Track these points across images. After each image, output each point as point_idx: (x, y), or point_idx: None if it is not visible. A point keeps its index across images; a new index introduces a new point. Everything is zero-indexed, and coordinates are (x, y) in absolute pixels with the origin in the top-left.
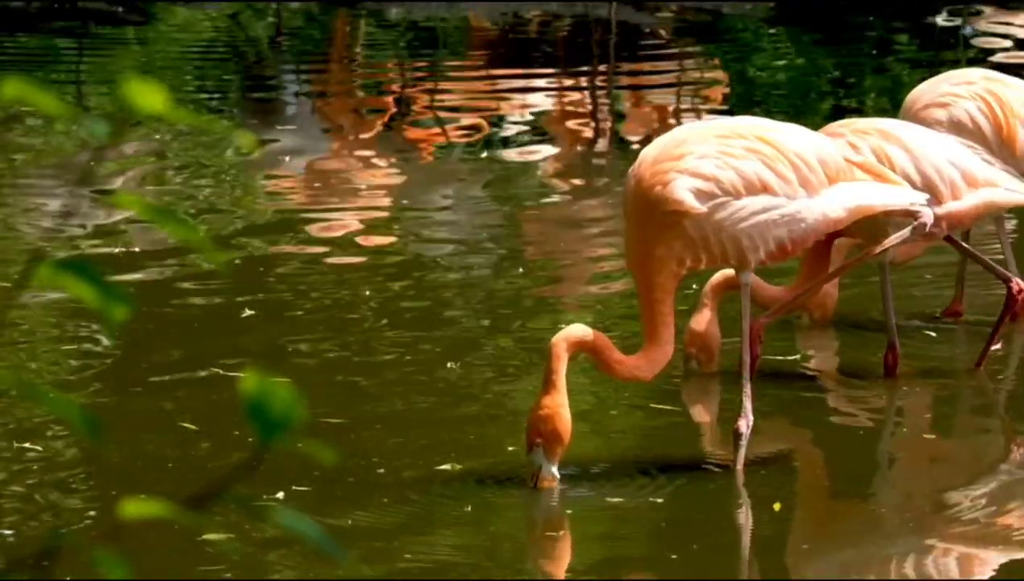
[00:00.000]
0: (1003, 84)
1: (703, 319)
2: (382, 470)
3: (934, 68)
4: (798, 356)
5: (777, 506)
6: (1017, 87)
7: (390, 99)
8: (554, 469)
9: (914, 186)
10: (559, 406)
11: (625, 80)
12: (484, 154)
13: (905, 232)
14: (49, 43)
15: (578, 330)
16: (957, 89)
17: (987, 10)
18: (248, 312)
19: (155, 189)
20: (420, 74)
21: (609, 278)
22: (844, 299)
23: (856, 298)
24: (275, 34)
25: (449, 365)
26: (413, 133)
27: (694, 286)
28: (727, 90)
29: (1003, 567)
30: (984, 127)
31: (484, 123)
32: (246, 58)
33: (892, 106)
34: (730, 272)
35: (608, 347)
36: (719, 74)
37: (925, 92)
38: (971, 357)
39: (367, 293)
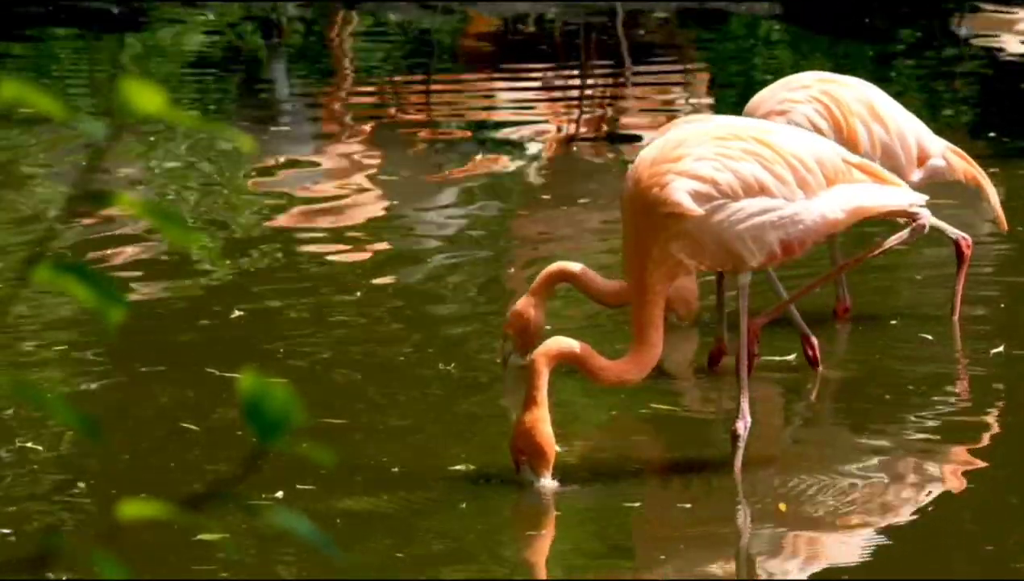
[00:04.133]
0: (838, 84)
1: (529, 304)
2: (381, 470)
3: (933, 69)
4: (795, 356)
5: (783, 507)
6: (852, 85)
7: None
8: (545, 482)
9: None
10: (538, 421)
11: (624, 80)
12: (479, 156)
13: (904, 233)
14: (46, 44)
15: (558, 343)
16: (793, 94)
17: (988, 7)
18: (238, 313)
19: (152, 190)
20: (417, 80)
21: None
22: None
23: (857, 298)
24: (275, 36)
25: (441, 366)
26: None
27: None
28: (712, 80)
29: (1006, 568)
30: (825, 129)
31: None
32: (243, 60)
33: None
34: (566, 264)
35: (591, 355)
36: (705, 75)
37: (763, 100)
38: (971, 358)
39: (359, 294)
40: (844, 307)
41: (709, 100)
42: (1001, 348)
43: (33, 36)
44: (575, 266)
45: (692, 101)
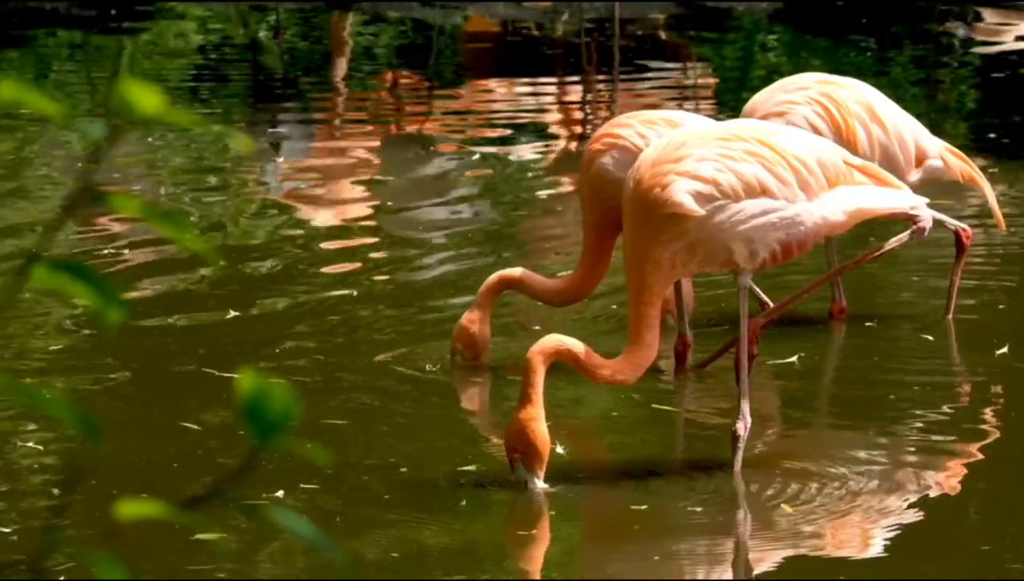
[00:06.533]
0: (837, 85)
1: (475, 317)
2: (381, 470)
3: (932, 70)
4: (795, 358)
5: (789, 508)
6: (851, 87)
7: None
8: (539, 482)
9: None
10: (533, 419)
11: (623, 82)
12: (476, 156)
13: (904, 235)
14: (45, 44)
15: (554, 340)
16: (792, 96)
17: (986, 12)
18: (234, 313)
19: (150, 190)
20: (414, 80)
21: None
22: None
23: (856, 299)
24: (273, 35)
25: (427, 367)
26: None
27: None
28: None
29: (1006, 568)
30: (824, 130)
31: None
32: (242, 59)
33: None
34: (506, 272)
35: (587, 354)
36: (711, 79)
37: (761, 102)
38: (971, 358)
39: (356, 294)
40: (840, 308)
41: (708, 102)
42: (1005, 349)
43: (32, 36)
44: (516, 271)
45: (692, 103)
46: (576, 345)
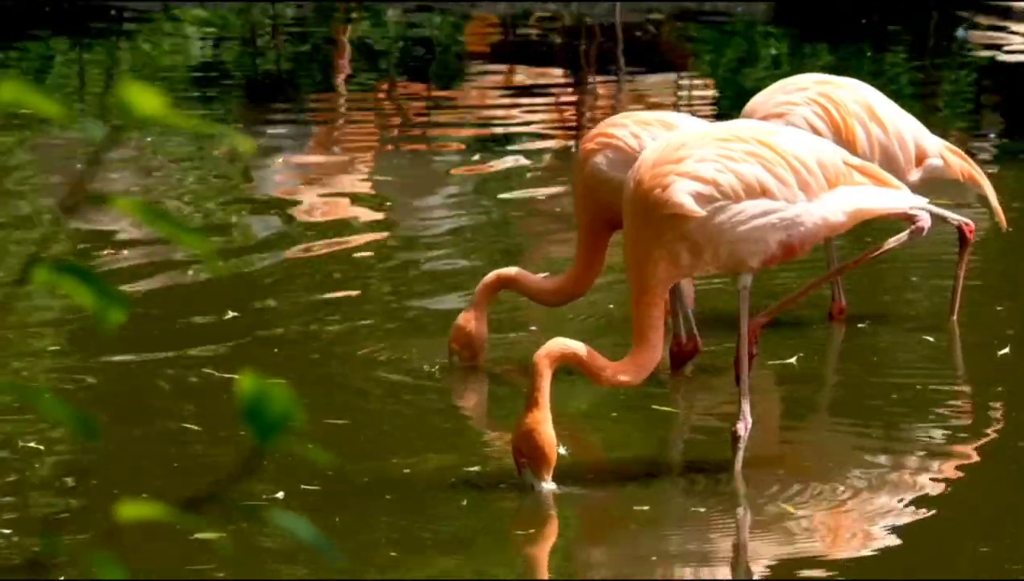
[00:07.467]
0: (835, 85)
1: (471, 317)
2: (382, 470)
3: (931, 69)
4: (795, 359)
5: (791, 508)
6: (850, 87)
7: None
8: (545, 484)
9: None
10: (539, 423)
11: (622, 82)
12: (476, 157)
13: (903, 235)
14: (44, 45)
15: (559, 343)
16: (791, 97)
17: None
18: (233, 313)
19: (149, 190)
20: (413, 88)
21: (601, 281)
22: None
23: (855, 299)
24: (272, 35)
25: (425, 367)
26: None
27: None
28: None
29: (1005, 569)
30: (823, 131)
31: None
32: (242, 59)
33: None
34: (502, 271)
35: (592, 356)
36: (708, 80)
37: (760, 103)
38: (971, 360)
39: (353, 295)
40: (839, 308)
41: (706, 103)
42: (1007, 350)
43: (30, 36)
44: (511, 271)
45: (690, 104)
46: (581, 348)
